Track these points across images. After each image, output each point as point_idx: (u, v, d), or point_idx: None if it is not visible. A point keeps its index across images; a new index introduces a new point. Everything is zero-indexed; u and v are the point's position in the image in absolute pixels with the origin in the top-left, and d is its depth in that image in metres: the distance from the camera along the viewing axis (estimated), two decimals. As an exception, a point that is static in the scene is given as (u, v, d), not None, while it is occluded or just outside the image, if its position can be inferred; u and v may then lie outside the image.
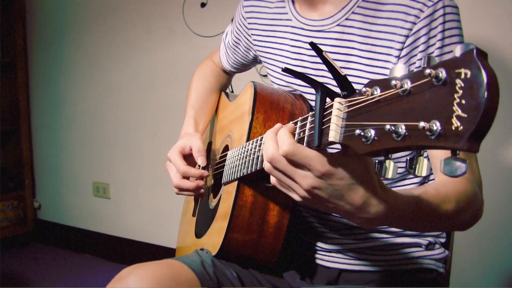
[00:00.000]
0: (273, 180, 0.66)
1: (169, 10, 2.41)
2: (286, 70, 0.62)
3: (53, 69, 2.94)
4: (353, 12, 0.90)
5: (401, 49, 0.85)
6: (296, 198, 0.64)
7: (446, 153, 0.43)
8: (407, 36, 0.84)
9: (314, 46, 0.59)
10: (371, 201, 0.61)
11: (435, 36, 0.83)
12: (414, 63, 0.85)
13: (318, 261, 0.99)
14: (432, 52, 0.83)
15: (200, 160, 1.02)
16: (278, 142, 0.61)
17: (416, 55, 0.85)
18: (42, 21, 2.95)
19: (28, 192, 3.01)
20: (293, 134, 0.65)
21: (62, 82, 2.91)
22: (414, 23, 0.83)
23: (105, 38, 2.68)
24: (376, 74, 0.88)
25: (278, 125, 0.66)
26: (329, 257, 0.98)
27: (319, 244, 0.98)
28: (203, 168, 1.04)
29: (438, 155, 0.83)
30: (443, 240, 1.00)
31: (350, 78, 0.89)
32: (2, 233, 2.84)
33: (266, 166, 0.64)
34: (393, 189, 0.65)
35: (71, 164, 2.94)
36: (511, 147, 1.62)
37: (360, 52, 0.89)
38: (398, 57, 0.85)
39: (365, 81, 0.87)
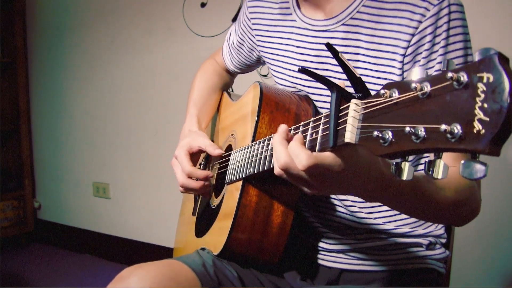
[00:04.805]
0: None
1: (169, 10, 2.41)
2: (302, 70, 0.63)
3: (53, 69, 2.94)
4: (358, 11, 0.90)
5: (406, 47, 0.86)
6: (308, 191, 0.66)
7: (459, 154, 0.43)
8: (413, 35, 0.85)
9: (330, 47, 0.60)
10: (378, 179, 0.63)
11: (440, 34, 0.84)
12: (419, 61, 0.86)
13: (319, 261, 0.99)
14: (437, 50, 0.84)
15: (218, 152, 1.01)
16: (293, 156, 0.61)
17: (421, 53, 0.85)
18: (42, 21, 2.95)
19: (28, 192, 3.01)
20: (304, 143, 0.65)
21: (62, 82, 2.91)
22: (420, 22, 0.84)
23: (105, 38, 2.68)
24: (382, 72, 0.89)
25: (283, 127, 0.67)
26: (330, 257, 0.98)
27: (320, 244, 0.98)
28: (207, 168, 1.04)
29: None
30: (443, 241, 1.00)
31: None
32: (2, 233, 2.84)
33: (277, 171, 0.65)
34: None
35: (71, 164, 2.94)
36: (511, 146, 1.62)
37: (366, 51, 0.89)
38: (404, 55, 0.86)
39: (372, 79, 0.89)
